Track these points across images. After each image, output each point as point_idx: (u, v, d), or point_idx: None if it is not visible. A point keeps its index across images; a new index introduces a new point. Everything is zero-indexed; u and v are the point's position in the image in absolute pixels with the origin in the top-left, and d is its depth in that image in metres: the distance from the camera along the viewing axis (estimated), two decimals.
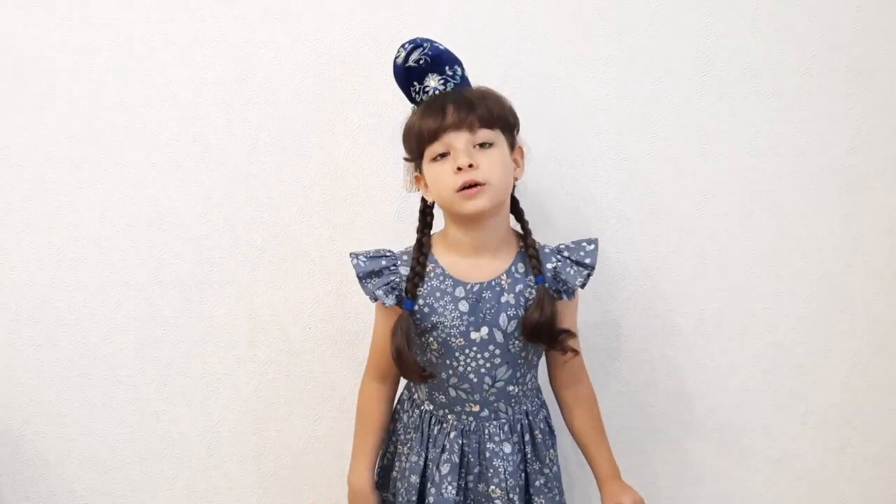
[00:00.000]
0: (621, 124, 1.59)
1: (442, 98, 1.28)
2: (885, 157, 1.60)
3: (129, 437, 1.67)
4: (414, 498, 1.36)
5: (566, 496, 1.47)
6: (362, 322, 1.62)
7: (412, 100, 1.33)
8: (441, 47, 1.31)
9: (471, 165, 1.24)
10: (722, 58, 1.58)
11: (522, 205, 1.40)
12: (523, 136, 1.37)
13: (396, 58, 1.31)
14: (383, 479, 1.46)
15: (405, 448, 1.40)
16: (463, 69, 1.33)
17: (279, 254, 1.63)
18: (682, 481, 1.65)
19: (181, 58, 1.59)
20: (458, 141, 1.26)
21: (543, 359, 1.48)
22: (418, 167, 1.33)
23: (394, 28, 1.57)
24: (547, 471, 1.39)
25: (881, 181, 1.61)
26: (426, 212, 1.37)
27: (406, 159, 1.35)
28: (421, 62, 1.29)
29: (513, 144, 1.33)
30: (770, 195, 1.61)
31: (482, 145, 1.27)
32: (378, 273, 1.33)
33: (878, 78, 1.58)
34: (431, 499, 1.35)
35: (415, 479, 1.37)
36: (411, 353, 1.30)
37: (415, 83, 1.31)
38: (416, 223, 1.37)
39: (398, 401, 1.47)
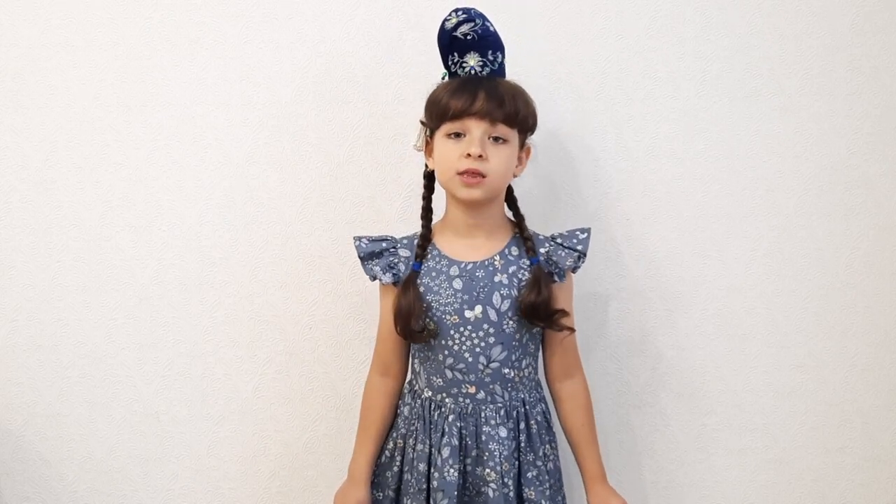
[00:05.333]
0: (621, 124, 1.59)
1: (476, 83, 1.32)
2: (885, 157, 1.60)
3: (129, 437, 1.67)
4: (424, 486, 1.37)
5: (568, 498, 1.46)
6: (362, 322, 1.62)
7: (446, 66, 1.36)
8: (491, 28, 1.33)
9: (480, 156, 1.29)
10: (722, 58, 1.58)
11: (523, 205, 1.44)
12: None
13: (446, 21, 1.32)
14: (379, 478, 1.45)
15: (410, 439, 1.41)
16: (503, 56, 1.35)
17: (279, 254, 1.63)
18: (682, 481, 1.65)
19: (181, 58, 1.59)
20: (476, 129, 1.30)
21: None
22: (431, 134, 1.37)
23: (393, 28, 1.57)
24: (540, 464, 1.38)
25: (881, 181, 1.60)
26: (431, 176, 1.41)
27: (422, 123, 1.38)
28: (468, 37, 1.32)
29: (523, 143, 1.38)
30: (770, 195, 1.61)
31: (496, 139, 1.32)
32: (379, 254, 1.39)
33: (878, 78, 1.58)
34: (435, 483, 1.36)
35: (423, 466, 1.38)
36: (416, 311, 1.33)
37: (455, 54, 1.34)
38: (421, 201, 1.42)
39: (399, 396, 1.47)
